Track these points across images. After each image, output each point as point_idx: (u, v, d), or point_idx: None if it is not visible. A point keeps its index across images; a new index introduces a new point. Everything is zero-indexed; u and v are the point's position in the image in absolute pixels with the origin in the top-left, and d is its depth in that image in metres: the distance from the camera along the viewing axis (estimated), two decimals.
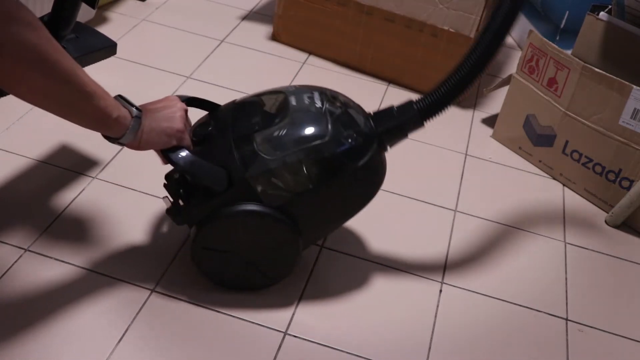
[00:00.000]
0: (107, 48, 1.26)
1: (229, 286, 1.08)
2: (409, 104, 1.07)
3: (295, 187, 0.99)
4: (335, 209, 1.06)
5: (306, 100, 1.05)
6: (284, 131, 1.00)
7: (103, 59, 1.26)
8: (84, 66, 1.19)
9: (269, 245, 1.03)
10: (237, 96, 1.57)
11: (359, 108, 1.08)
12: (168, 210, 1.04)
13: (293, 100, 1.05)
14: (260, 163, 0.98)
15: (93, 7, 1.19)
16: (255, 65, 1.71)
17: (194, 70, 1.61)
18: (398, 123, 1.06)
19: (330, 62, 1.76)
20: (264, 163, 0.98)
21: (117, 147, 1.33)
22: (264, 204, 0.99)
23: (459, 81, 1.06)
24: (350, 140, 1.02)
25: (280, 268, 1.08)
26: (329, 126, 1.02)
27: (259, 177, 0.98)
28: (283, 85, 1.61)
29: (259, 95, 1.10)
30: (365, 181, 1.06)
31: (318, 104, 1.05)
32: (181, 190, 1.03)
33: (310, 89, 1.08)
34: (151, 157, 1.15)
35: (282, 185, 0.99)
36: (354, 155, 1.02)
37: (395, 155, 1.47)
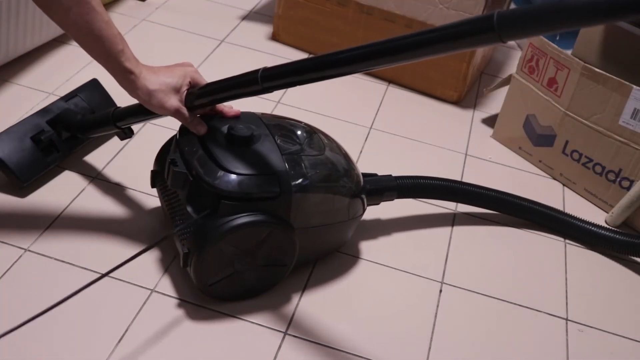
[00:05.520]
0: None
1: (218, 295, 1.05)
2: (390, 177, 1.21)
3: (315, 218, 1.05)
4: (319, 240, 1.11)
5: (326, 140, 1.11)
6: (327, 165, 1.05)
7: None
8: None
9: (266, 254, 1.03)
10: None
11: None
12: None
13: (323, 138, 1.10)
14: (305, 185, 1.01)
15: (121, 139, 1.26)
16: (255, 65, 1.71)
17: None
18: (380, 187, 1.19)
19: None
20: (310, 186, 1.01)
21: (119, 145, 1.33)
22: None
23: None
24: (368, 187, 1.15)
25: (270, 278, 1.07)
26: (357, 170, 1.12)
27: (301, 197, 1.01)
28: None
29: (282, 118, 1.13)
30: (354, 225, 1.15)
31: (335, 145, 1.13)
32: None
33: (314, 128, 1.12)
34: (149, 158, 1.16)
35: (309, 211, 1.03)
36: (368, 201, 1.16)
37: (395, 156, 1.48)
